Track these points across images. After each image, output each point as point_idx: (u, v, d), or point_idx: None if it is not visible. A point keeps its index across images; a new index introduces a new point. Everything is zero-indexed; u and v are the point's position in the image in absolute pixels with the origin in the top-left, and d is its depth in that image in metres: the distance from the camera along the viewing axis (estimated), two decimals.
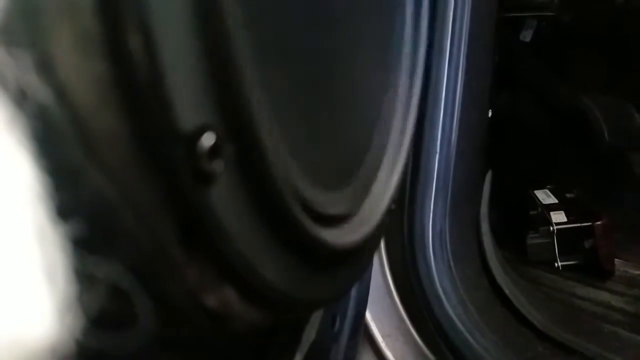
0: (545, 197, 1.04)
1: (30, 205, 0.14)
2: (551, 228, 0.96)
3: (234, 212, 0.23)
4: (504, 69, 0.85)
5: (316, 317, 0.47)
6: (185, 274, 0.22)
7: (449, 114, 0.79)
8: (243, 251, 0.24)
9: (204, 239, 0.22)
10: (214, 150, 0.21)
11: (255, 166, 0.23)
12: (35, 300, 0.13)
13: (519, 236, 1.00)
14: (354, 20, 0.36)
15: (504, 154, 1.00)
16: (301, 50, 0.29)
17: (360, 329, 0.68)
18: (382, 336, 0.79)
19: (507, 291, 0.81)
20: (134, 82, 0.18)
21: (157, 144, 0.19)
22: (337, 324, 0.58)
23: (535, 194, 1.04)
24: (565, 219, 0.97)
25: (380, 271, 0.80)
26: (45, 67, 0.17)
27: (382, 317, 0.79)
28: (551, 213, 0.98)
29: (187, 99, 0.20)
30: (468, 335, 0.74)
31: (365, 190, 0.38)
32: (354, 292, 0.59)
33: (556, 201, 1.01)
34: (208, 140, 0.21)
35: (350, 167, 0.37)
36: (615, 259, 0.96)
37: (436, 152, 0.79)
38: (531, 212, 1.02)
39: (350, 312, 0.61)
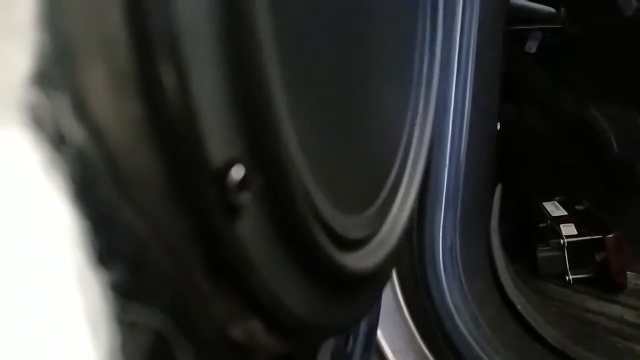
0: (554, 209, 1.03)
1: (70, 251, 0.14)
2: (561, 241, 0.96)
3: (260, 244, 0.23)
4: (510, 81, 0.85)
5: (331, 338, 0.47)
6: (213, 307, 0.22)
7: (457, 128, 0.79)
8: (269, 283, 0.24)
9: (230, 271, 0.22)
10: (243, 183, 0.21)
11: (283, 198, 0.23)
12: (80, 353, 0.13)
13: (529, 249, 0.99)
14: (373, 42, 0.36)
15: (512, 166, 1.00)
16: (324, 77, 0.29)
17: (372, 347, 0.67)
18: (393, 352, 0.78)
19: (519, 306, 0.81)
20: (167, 119, 0.18)
21: (188, 179, 0.19)
22: (350, 342, 0.57)
23: (544, 206, 1.03)
24: (575, 232, 0.96)
25: (390, 286, 0.80)
26: (81, 108, 0.17)
27: (392, 333, 0.79)
28: (561, 225, 0.98)
29: (218, 133, 0.20)
30: (480, 352, 0.74)
31: (385, 212, 0.38)
32: None
33: (565, 213, 1.01)
34: (237, 173, 0.21)
35: (372, 190, 0.37)
36: (627, 272, 0.95)
37: (445, 166, 0.79)
38: (540, 225, 1.02)
39: (362, 330, 0.61)
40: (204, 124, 0.19)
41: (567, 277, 0.96)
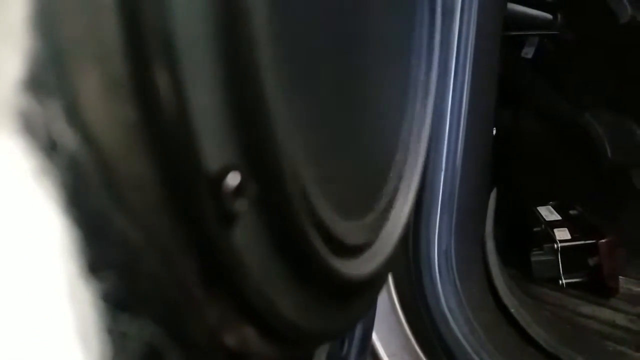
0: (548, 213, 1.03)
1: (61, 261, 0.14)
2: (555, 245, 0.96)
3: (255, 251, 0.23)
4: (506, 86, 0.86)
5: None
6: (206, 314, 0.22)
7: (454, 132, 0.79)
8: (264, 290, 0.24)
9: (225, 278, 0.22)
10: (239, 189, 0.21)
11: (279, 205, 0.23)
12: None
13: (523, 253, 1.00)
14: (371, 46, 0.36)
15: (507, 171, 1.00)
16: (321, 82, 0.29)
17: (367, 350, 0.67)
18: (388, 355, 0.78)
19: (512, 310, 0.81)
20: (161, 125, 0.18)
21: (183, 186, 0.19)
22: (346, 346, 0.57)
23: (538, 211, 1.04)
24: (569, 236, 0.97)
25: (386, 289, 0.79)
26: (73, 113, 0.16)
27: (387, 336, 0.79)
28: (555, 230, 0.98)
29: (213, 139, 0.20)
30: (475, 355, 0.74)
31: (384, 218, 0.38)
32: None
33: (559, 218, 1.01)
34: (233, 180, 0.21)
35: (371, 195, 0.37)
36: (619, 277, 0.96)
37: (441, 170, 0.79)
38: (535, 229, 1.02)
39: (357, 334, 0.61)
40: (199, 129, 0.19)
41: (560, 281, 0.96)
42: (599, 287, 0.95)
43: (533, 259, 0.98)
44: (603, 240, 0.94)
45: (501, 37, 0.81)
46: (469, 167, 0.80)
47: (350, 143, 0.33)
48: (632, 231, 1.01)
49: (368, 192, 0.37)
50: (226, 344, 0.23)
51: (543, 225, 1.01)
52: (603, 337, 0.85)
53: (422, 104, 0.45)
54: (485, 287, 0.83)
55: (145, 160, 0.18)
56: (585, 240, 0.96)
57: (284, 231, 0.24)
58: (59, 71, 0.16)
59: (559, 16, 1.03)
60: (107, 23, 0.17)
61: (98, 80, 0.17)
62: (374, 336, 0.76)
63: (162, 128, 0.18)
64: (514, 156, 1.09)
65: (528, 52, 1.12)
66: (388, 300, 0.78)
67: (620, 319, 0.90)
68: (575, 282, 0.97)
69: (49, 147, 0.15)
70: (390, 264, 0.40)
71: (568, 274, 0.96)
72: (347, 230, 0.30)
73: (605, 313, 0.91)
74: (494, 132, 0.86)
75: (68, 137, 0.16)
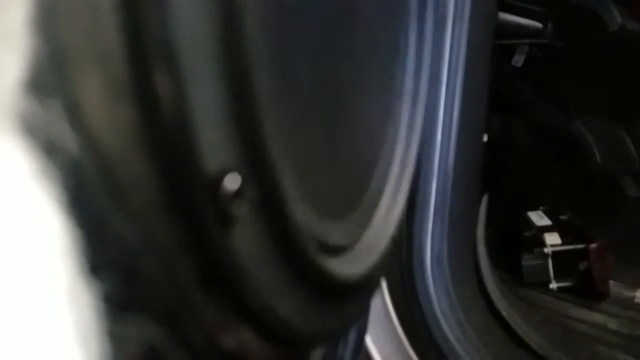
0: (538, 218, 1.04)
1: (61, 262, 0.14)
2: (546, 250, 0.97)
3: (253, 253, 0.23)
4: (496, 93, 0.87)
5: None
6: (205, 316, 0.22)
7: (446, 138, 0.79)
8: (262, 292, 0.24)
9: (223, 280, 0.22)
10: (238, 192, 0.21)
11: (277, 207, 0.23)
12: None
13: (514, 257, 1.00)
14: (358, 54, 0.37)
15: (498, 177, 1.01)
16: (312, 86, 0.29)
17: (361, 352, 0.67)
18: (382, 358, 0.78)
19: (504, 313, 0.81)
20: (162, 127, 0.18)
21: (183, 188, 0.19)
22: (340, 348, 0.57)
23: (529, 216, 1.04)
24: (559, 241, 0.97)
25: (379, 293, 0.80)
26: (74, 115, 0.17)
27: (381, 339, 0.79)
28: (545, 235, 0.99)
29: (212, 141, 0.20)
30: (467, 358, 0.74)
31: (366, 220, 0.38)
32: None
33: (550, 223, 1.02)
34: (232, 182, 0.21)
35: (352, 198, 0.37)
36: (610, 281, 0.97)
37: (434, 176, 0.80)
38: (525, 234, 1.03)
39: (351, 336, 0.61)
40: (199, 132, 0.19)
41: (551, 285, 0.97)
42: (589, 291, 0.96)
43: (524, 263, 0.99)
44: (593, 245, 0.95)
45: (492, 46, 0.82)
46: (461, 173, 0.81)
47: (334, 146, 0.34)
48: (621, 235, 1.02)
49: (349, 194, 0.37)
50: (224, 345, 0.23)
51: (534, 230, 1.02)
52: (594, 340, 0.86)
53: (411, 111, 0.46)
54: (477, 290, 0.83)
55: (145, 162, 0.18)
56: (575, 244, 0.97)
57: (280, 233, 0.24)
58: (60, 72, 0.16)
59: (549, 25, 1.04)
60: (107, 25, 0.17)
61: (98, 81, 0.17)
62: (368, 339, 0.76)
63: (161, 130, 0.18)
64: (504, 162, 1.10)
65: (518, 61, 1.14)
66: (382, 303, 0.78)
67: (611, 323, 0.90)
68: (565, 286, 0.97)
69: (49, 149, 0.15)
70: (382, 268, 0.41)
71: (559, 278, 0.97)
72: (327, 229, 0.31)
73: (596, 317, 0.92)
74: (485, 138, 0.87)
75: (68, 139, 0.16)
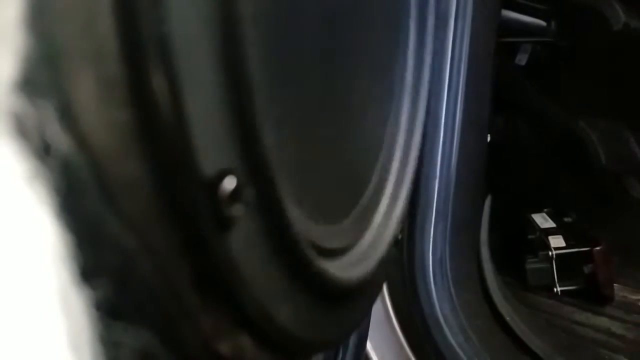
0: (543, 221, 1.03)
1: (53, 268, 0.13)
2: (550, 253, 0.96)
3: (250, 257, 0.23)
4: (500, 93, 0.86)
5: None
6: (201, 322, 0.21)
7: (448, 139, 0.79)
8: (259, 297, 0.23)
9: (220, 286, 0.22)
10: (235, 194, 0.21)
11: (273, 210, 0.23)
12: None
13: (518, 261, 0.99)
14: (359, 50, 0.36)
15: (502, 178, 1.01)
16: (310, 87, 0.29)
17: (362, 357, 0.66)
18: None
19: (507, 318, 0.80)
20: (157, 127, 0.18)
21: (179, 190, 0.19)
22: (340, 354, 0.56)
23: (532, 218, 1.03)
24: (563, 244, 0.96)
25: (380, 297, 0.79)
26: (67, 115, 0.16)
27: (382, 344, 0.78)
28: (549, 237, 0.98)
29: (209, 143, 0.20)
30: None
31: (364, 222, 0.38)
32: None
33: (554, 225, 1.01)
34: (229, 184, 0.20)
35: (351, 200, 0.37)
36: (614, 284, 0.96)
37: (436, 177, 0.79)
38: (529, 237, 1.02)
39: (352, 341, 0.60)
40: (196, 132, 0.18)
41: (555, 289, 0.96)
42: (594, 295, 0.95)
43: (528, 266, 0.98)
44: (598, 248, 0.94)
45: (495, 44, 0.81)
46: (464, 174, 0.80)
47: (332, 149, 0.33)
48: (626, 238, 1.01)
49: (347, 196, 0.37)
50: (221, 352, 0.23)
51: (538, 233, 1.01)
52: (598, 345, 0.85)
53: (411, 112, 0.45)
54: (480, 294, 0.82)
55: (140, 164, 0.17)
56: (579, 247, 0.96)
57: (278, 236, 0.23)
58: (53, 72, 0.16)
59: (552, 23, 1.04)
60: (102, 24, 0.17)
61: (93, 82, 0.17)
62: (369, 344, 0.75)
63: (157, 131, 0.17)
64: (508, 163, 1.09)
65: (521, 59, 1.13)
66: (382, 308, 0.78)
67: (615, 327, 0.89)
68: (570, 290, 0.97)
69: (42, 150, 0.15)
70: (383, 272, 0.40)
71: (563, 281, 0.96)
72: (324, 232, 0.30)
73: (600, 321, 0.91)
74: (488, 139, 0.86)
75: (61, 140, 0.15)
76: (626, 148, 1.04)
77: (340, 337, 0.36)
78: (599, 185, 1.08)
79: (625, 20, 0.94)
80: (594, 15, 0.95)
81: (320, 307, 0.30)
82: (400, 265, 0.77)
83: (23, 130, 0.15)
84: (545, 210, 1.07)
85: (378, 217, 0.40)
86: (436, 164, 0.78)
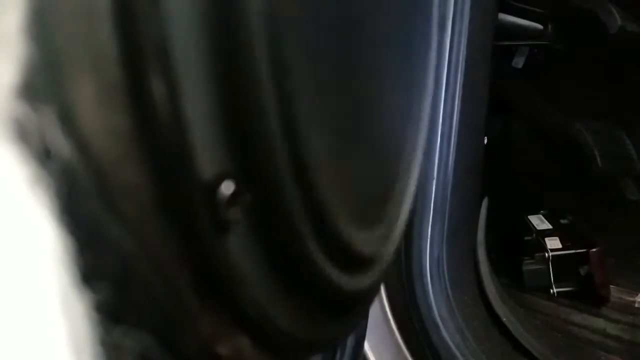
0: (539, 222, 1.04)
1: (54, 271, 0.13)
2: (546, 254, 0.97)
3: (249, 260, 0.23)
4: (496, 95, 0.87)
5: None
6: (200, 324, 0.22)
7: (445, 141, 0.79)
8: (258, 299, 0.23)
9: (219, 288, 0.22)
10: (233, 198, 0.21)
11: (276, 214, 0.23)
12: None
13: (514, 262, 1.00)
14: (377, 50, 0.36)
15: (499, 180, 1.01)
16: (327, 88, 0.29)
17: (359, 358, 0.66)
18: None
19: (504, 319, 0.81)
20: (156, 132, 0.18)
21: (178, 194, 0.19)
22: (338, 355, 0.56)
23: (529, 220, 1.04)
24: (560, 245, 0.97)
25: (378, 298, 0.79)
26: (68, 120, 0.16)
27: (379, 345, 0.78)
28: (546, 239, 0.98)
29: (207, 147, 0.20)
30: None
31: (392, 229, 0.37)
32: None
33: (550, 227, 1.02)
34: (227, 188, 0.21)
35: (379, 204, 0.36)
36: (610, 285, 0.96)
37: (433, 178, 0.80)
38: (526, 238, 1.02)
39: (349, 343, 0.60)
40: (194, 137, 0.19)
41: (551, 290, 0.97)
42: (590, 296, 0.95)
43: (524, 267, 0.99)
44: (594, 250, 0.94)
45: (492, 47, 0.82)
46: (461, 175, 0.81)
47: (358, 150, 0.33)
48: (622, 240, 1.02)
49: (377, 201, 0.36)
50: (220, 353, 0.23)
51: (534, 234, 1.01)
52: (594, 346, 0.86)
53: (417, 109, 0.45)
54: (477, 295, 0.83)
55: (139, 168, 0.18)
56: (576, 249, 0.96)
57: (279, 240, 0.24)
58: (54, 78, 0.16)
59: (549, 26, 1.04)
60: (102, 30, 0.17)
61: (93, 87, 0.17)
62: (366, 345, 0.75)
63: (156, 136, 0.18)
64: (505, 165, 1.10)
65: (518, 62, 1.14)
66: (380, 309, 0.78)
67: (611, 328, 0.90)
68: (566, 291, 0.97)
69: (42, 155, 0.15)
70: (384, 274, 0.40)
71: (559, 283, 0.97)
72: (361, 237, 0.30)
73: (596, 322, 0.92)
74: (485, 141, 0.87)
75: (62, 145, 0.16)
76: (622, 150, 1.05)
77: (338, 339, 0.36)
78: (595, 187, 1.09)
79: (621, 24, 0.94)
80: (590, 19, 0.96)
81: (321, 311, 0.30)
82: (398, 267, 0.77)
83: (24, 135, 0.15)
84: (541, 211, 1.07)
85: (399, 224, 0.39)
86: (433, 166, 0.79)
